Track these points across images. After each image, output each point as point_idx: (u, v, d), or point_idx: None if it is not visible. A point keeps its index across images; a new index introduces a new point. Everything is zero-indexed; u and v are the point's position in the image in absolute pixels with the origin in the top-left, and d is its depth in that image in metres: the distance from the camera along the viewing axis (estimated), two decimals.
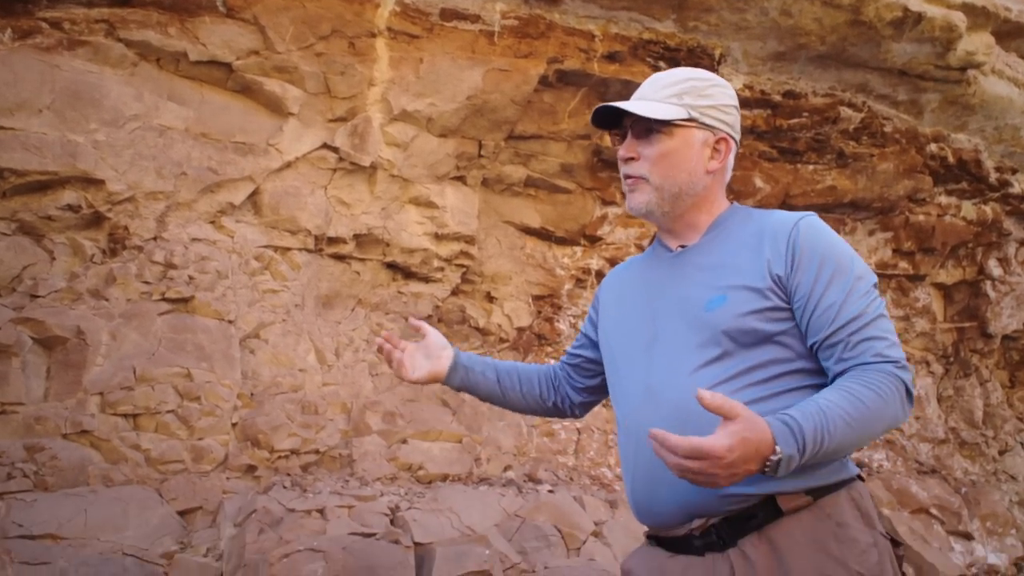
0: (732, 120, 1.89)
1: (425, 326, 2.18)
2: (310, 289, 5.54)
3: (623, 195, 7.12)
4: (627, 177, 1.88)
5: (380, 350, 2.18)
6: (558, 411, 2.25)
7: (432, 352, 2.16)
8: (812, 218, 1.78)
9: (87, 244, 4.86)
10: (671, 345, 1.77)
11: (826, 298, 1.67)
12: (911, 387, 1.65)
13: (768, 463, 1.48)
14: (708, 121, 1.84)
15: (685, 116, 1.81)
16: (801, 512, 1.62)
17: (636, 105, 1.82)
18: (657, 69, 6.13)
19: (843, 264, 1.71)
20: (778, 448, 1.47)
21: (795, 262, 1.70)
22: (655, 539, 1.81)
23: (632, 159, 1.85)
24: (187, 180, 5.10)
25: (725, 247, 1.81)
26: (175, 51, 5.06)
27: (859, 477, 1.74)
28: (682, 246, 1.89)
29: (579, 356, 2.19)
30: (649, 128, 1.82)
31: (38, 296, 4.67)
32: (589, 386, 2.20)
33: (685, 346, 1.74)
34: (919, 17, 6.23)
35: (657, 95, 1.84)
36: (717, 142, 1.86)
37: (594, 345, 2.13)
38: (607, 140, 6.29)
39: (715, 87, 1.87)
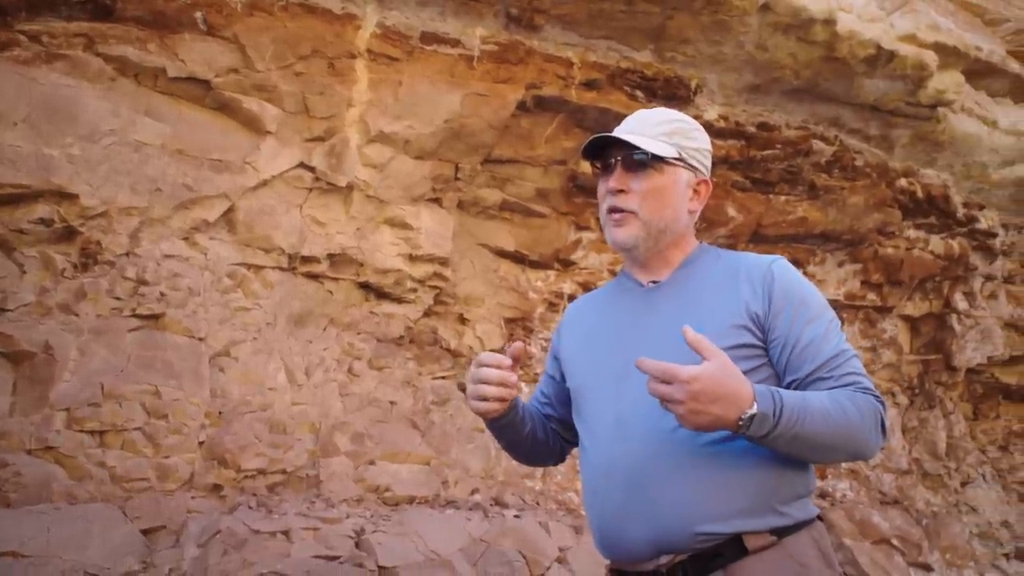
0: (709, 165, 1.97)
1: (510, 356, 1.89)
2: (282, 308, 5.53)
3: (597, 221, 7.13)
4: (615, 210, 1.88)
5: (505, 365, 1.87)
6: (553, 454, 2.15)
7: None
8: (784, 261, 1.85)
9: (58, 258, 4.83)
10: (643, 379, 1.75)
11: (804, 337, 1.73)
12: (886, 422, 1.72)
13: (742, 418, 1.54)
14: (693, 163, 1.90)
15: (676, 155, 1.86)
16: (765, 552, 1.65)
17: (639, 139, 1.85)
18: (634, 98, 6.19)
19: (817, 306, 1.78)
20: (755, 403, 1.54)
21: (771, 302, 1.76)
22: (619, 573, 1.83)
23: (622, 192, 1.86)
24: (162, 196, 5.09)
25: (699, 284, 1.85)
26: (154, 67, 5.05)
27: (819, 518, 1.78)
28: (653, 281, 1.92)
29: (549, 401, 2.13)
30: (642, 163, 1.85)
31: (6, 310, 4.63)
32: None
33: None
34: (891, 55, 6.36)
35: (648, 132, 1.87)
36: (698, 184, 1.92)
37: (563, 384, 2.06)
38: (583, 166, 6.34)
39: (698, 131, 1.94)
